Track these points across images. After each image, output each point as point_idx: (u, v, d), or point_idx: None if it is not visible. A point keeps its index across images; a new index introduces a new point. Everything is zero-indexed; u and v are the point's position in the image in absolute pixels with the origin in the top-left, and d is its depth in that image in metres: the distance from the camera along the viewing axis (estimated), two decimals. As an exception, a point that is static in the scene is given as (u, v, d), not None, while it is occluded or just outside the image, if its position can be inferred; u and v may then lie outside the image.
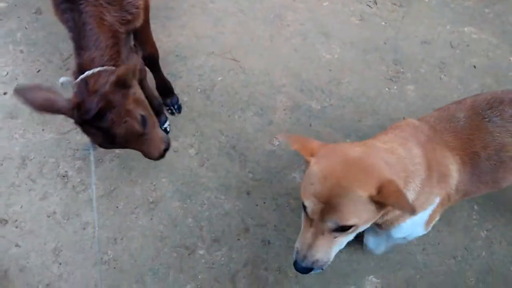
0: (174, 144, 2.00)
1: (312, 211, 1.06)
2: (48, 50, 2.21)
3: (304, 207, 1.10)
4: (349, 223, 1.03)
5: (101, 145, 1.38)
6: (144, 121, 1.40)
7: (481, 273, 1.67)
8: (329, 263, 1.15)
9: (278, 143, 2.01)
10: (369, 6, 2.29)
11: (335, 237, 1.09)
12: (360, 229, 1.10)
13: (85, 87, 1.29)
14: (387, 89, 2.09)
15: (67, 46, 2.21)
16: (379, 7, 2.28)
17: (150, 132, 1.45)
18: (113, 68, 1.37)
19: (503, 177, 1.26)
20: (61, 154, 1.97)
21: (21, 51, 2.23)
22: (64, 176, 1.92)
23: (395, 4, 2.28)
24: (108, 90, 1.27)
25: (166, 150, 1.59)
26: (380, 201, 0.99)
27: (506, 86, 2.04)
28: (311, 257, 1.12)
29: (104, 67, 1.35)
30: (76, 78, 1.33)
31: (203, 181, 1.93)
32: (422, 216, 1.23)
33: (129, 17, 1.50)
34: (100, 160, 1.96)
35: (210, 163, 1.97)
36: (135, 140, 1.40)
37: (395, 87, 2.09)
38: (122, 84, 1.28)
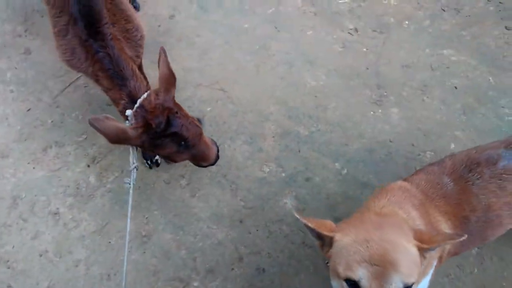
0: (165, 176, 2.03)
1: (368, 279, 0.95)
2: (37, 89, 2.26)
3: (352, 283, 0.99)
4: (412, 279, 0.96)
5: (172, 157, 1.49)
6: (199, 120, 1.54)
7: (476, 291, 1.69)
8: None
9: (268, 170, 2.04)
10: (351, 34, 2.38)
11: None
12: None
13: (144, 110, 1.40)
14: (372, 112, 2.15)
15: (56, 85, 2.26)
16: (360, 34, 2.37)
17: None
18: (154, 89, 1.48)
19: (491, 234, 1.32)
20: (52, 191, 1.99)
21: (11, 91, 2.27)
22: (55, 214, 1.94)
23: (375, 31, 2.37)
24: (168, 103, 1.40)
25: (218, 151, 1.69)
26: (426, 248, 0.99)
27: (487, 105, 2.11)
28: None
29: (148, 91, 1.46)
30: (128, 108, 1.44)
31: (195, 212, 1.95)
32: (425, 282, 1.25)
33: (140, 51, 1.60)
34: (91, 196, 1.98)
35: (202, 193, 2.00)
36: (198, 142, 1.51)
37: (379, 111, 2.15)
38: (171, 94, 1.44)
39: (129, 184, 1.49)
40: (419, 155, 2.00)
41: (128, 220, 1.45)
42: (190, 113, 2.20)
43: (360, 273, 0.96)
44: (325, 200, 1.95)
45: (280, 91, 2.26)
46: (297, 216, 1.06)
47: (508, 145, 1.31)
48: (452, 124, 2.08)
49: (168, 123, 1.39)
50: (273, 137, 2.14)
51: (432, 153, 2.00)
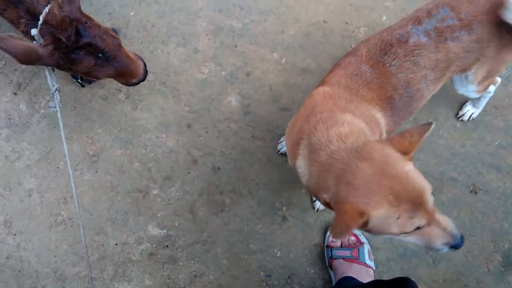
0: (101, 92, 1.98)
1: (420, 219, 1.03)
2: None
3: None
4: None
5: (93, 72, 1.44)
6: (114, 31, 1.47)
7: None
8: None
9: (207, 70, 2.04)
10: None
11: None
12: None
13: (50, 26, 1.32)
14: (304, -6, 2.14)
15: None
16: None
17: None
18: (55, 1, 1.37)
19: (416, 106, 1.43)
20: (-18, 127, 1.90)
21: None
22: (-8, 149, 1.88)
23: None
24: (74, 14, 1.33)
25: (145, 65, 1.66)
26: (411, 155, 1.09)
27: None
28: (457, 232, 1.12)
29: (49, 4, 1.35)
30: (31, 27, 1.34)
31: (140, 124, 1.96)
32: None
33: None
34: (27, 124, 1.92)
35: (143, 104, 1.98)
36: (119, 53, 1.46)
37: (311, -9, 2.14)
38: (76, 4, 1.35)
39: (55, 108, 1.46)
40: (353, 31, 2.06)
41: (65, 145, 1.43)
42: (113, 20, 2.10)
43: (414, 224, 1.03)
44: (268, 92, 2.00)
45: (206, -17, 2.17)
46: (330, 235, 1.03)
47: (416, 21, 1.36)
48: (383, -5, 2.13)
49: (79, 34, 1.33)
50: (207, 35, 2.09)
51: (366, 29, 2.06)
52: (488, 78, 1.54)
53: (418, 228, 1.05)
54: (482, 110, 1.90)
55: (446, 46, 1.34)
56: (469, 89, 1.59)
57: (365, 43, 1.42)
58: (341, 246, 1.72)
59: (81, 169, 1.88)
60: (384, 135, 1.39)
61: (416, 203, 1.01)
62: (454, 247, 1.11)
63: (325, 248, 1.76)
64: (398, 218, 1.01)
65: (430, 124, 1.08)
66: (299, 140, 1.25)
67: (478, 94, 1.67)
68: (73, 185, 1.44)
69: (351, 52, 1.43)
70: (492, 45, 1.37)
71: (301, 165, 1.24)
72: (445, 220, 1.11)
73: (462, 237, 1.12)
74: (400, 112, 1.39)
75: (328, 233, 1.76)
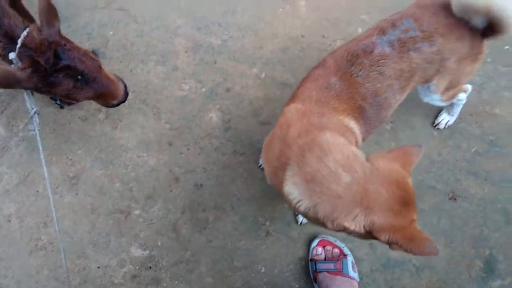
0: (80, 113, 1.99)
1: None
2: None
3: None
4: None
5: (72, 94, 1.45)
6: (94, 52, 1.45)
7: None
8: None
9: (188, 87, 2.07)
10: None
11: None
12: None
13: (29, 49, 1.33)
14: (280, 9, 2.18)
15: None
16: None
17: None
18: (34, 24, 1.39)
19: (385, 115, 1.48)
20: (-42, 152, 1.90)
21: None
22: (-31, 174, 1.87)
23: None
24: (53, 37, 1.34)
25: (126, 87, 1.68)
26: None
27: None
28: None
29: (27, 28, 1.37)
30: (9, 51, 1.36)
31: (121, 143, 1.97)
32: None
33: None
34: (5, 148, 1.92)
35: (123, 123, 2.00)
36: (99, 75, 1.48)
37: (288, 6, 2.18)
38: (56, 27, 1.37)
39: (34, 130, 1.47)
40: (330, 45, 2.11)
41: (44, 167, 1.44)
42: (92, 41, 2.12)
43: None
44: (248, 107, 2.04)
45: (184, 1, 2.20)
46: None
47: (380, 31, 1.41)
48: (357, 8, 2.18)
49: (57, 56, 1.35)
50: (186, 52, 2.13)
51: (342, 41, 2.11)
52: (450, 88, 1.59)
53: None
54: (457, 118, 1.95)
55: (409, 57, 1.38)
56: (434, 98, 1.64)
57: (332, 55, 1.46)
58: (325, 259, 1.74)
59: (61, 192, 1.88)
60: (360, 142, 1.42)
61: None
62: None
63: (309, 261, 1.78)
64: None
65: (420, 147, 1.22)
66: (283, 165, 1.26)
67: (445, 103, 1.72)
68: (53, 208, 1.44)
69: (319, 65, 1.47)
70: (452, 58, 1.43)
71: (293, 192, 1.23)
72: None
73: None
74: (372, 121, 1.43)
75: (313, 245, 1.78)
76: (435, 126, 1.97)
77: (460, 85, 1.64)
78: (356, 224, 1.14)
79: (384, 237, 1.11)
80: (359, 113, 1.39)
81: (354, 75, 1.38)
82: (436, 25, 1.39)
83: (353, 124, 1.38)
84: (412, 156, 1.18)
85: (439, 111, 1.97)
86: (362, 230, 1.14)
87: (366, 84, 1.38)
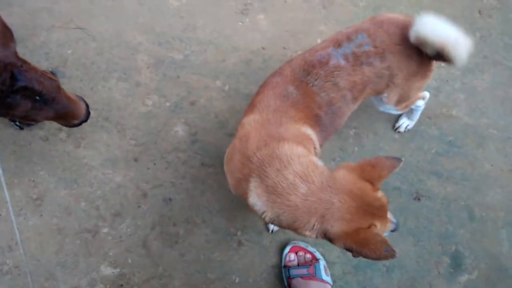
0: (41, 133, 1.97)
1: None
2: None
3: None
4: None
5: (31, 116, 1.45)
6: (53, 73, 1.45)
7: (359, 166, 2.02)
8: None
9: (151, 102, 2.09)
10: None
11: None
12: None
13: None
14: (240, 23, 2.26)
15: None
16: None
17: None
18: None
19: (339, 123, 1.55)
20: None
21: None
22: None
23: None
24: (9, 58, 1.36)
25: (88, 106, 1.69)
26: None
27: (344, -4, 2.33)
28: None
29: None
30: None
31: (85, 162, 1.96)
32: None
33: None
34: (-38, 174, 1.87)
35: (86, 142, 1.99)
36: (58, 95, 1.48)
37: (247, 20, 2.26)
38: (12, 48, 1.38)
39: None
40: (291, 56, 2.19)
41: (5, 191, 1.44)
42: (50, 60, 2.12)
43: (388, 228, 1.31)
44: (214, 119, 2.08)
45: (143, 17, 2.24)
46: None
47: (336, 43, 1.48)
48: (315, 20, 2.29)
49: (14, 78, 1.35)
50: (148, 67, 2.15)
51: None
52: (402, 101, 1.70)
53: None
54: (416, 121, 2.06)
55: (362, 70, 1.47)
56: (388, 108, 1.75)
57: (290, 63, 1.53)
58: (298, 264, 1.78)
59: (25, 214, 1.84)
60: (318, 149, 1.49)
61: (386, 213, 1.25)
62: (394, 230, 1.35)
63: (282, 268, 1.81)
64: (380, 226, 1.22)
65: (400, 160, 1.24)
66: (246, 177, 1.31)
67: (400, 112, 1.83)
68: (17, 231, 1.43)
69: (276, 73, 1.53)
70: (401, 74, 1.53)
71: (258, 204, 1.29)
72: (389, 214, 1.31)
73: (397, 222, 1.36)
74: (328, 128, 1.51)
75: (285, 252, 1.82)
76: (396, 129, 2.08)
77: (411, 98, 1.74)
78: (315, 232, 1.21)
79: (339, 244, 1.19)
80: (315, 121, 1.46)
81: (310, 84, 1.44)
82: (388, 42, 1.48)
83: (310, 131, 1.45)
84: (384, 170, 1.23)
85: (399, 115, 2.08)
86: (323, 238, 1.22)
87: (321, 94, 1.45)
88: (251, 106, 1.49)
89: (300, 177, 1.22)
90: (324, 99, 1.45)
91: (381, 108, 1.76)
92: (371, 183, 1.22)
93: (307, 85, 1.44)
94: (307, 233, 1.22)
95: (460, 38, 1.40)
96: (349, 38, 1.48)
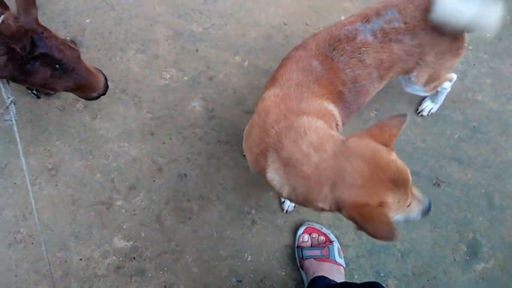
0: (57, 103, 1.96)
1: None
2: None
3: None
4: None
5: (50, 84, 1.43)
6: (73, 42, 1.46)
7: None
8: None
9: (169, 76, 2.06)
10: None
11: None
12: None
13: (4, 37, 1.29)
14: (262, -3, 2.20)
15: None
16: None
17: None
18: (9, 12, 1.36)
19: (363, 101, 1.51)
20: None
21: None
22: None
23: None
24: (30, 24, 1.32)
25: (106, 79, 1.66)
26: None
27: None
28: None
29: (2, 15, 1.32)
30: None
31: (101, 134, 1.95)
32: None
33: None
34: (-21, 140, 1.88)
35: (103, 113, 1.98)
36: (77, 65, 1.46)
37: (270, -6, 2.20)
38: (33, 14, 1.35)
39: (11, 121, 1.44)
40: (313, 33, 2.12)
41: (22, 158, 1.42)
42: (68, 29, 2.09)
43: (407, 203, 1.16)
44: (232, 96, 2.04)
45: (164, -12, 2.19)
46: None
47: (364, 18, 1.43)
48: (341, -4, 2.22)
49: (34, 44, 1.33)
50: (167, 40, 2.11)
51: (326, 29, 2.14)
52: (432, 81, 1.63)
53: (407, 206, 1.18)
54: (440, 105, 2.00)
55: (390, 47, 1.41)
56: (416, 89, 1.68)
57: (315, 37, 1.47)
58: (311, 246, 1.77)
59: (40, 183, 1.85)
60: (340, 125, 1.45)
61: (406, 186, 1.13)
62: (426, 212, 1.24)
63: (295, 249, 1.80)
64: (399, 202, 1.12)
65: (405, 115, 1.16)
66: (263, 152, 1.28)
67: (428, 93, 1.76)
68: (32, 200, 1.42)
69: (300, 46, 1.48)
70: (432, 52, 1.46)
71: (276, 178, 1.26)
72: (416, 191, 1.22)
73: (430, 201, 1.25)
74: (350, 106, 1.46)
75: (299, 233, 1.80)
76: (419, 113, 2.02)
77: (441, 78, 1.68)
78: (328, 204, 1.15)
79: (345, 212, 1.12)
80: (338, 98, 1.41)
81: (335, 60, 1.39)
82: (419, 18, 1.41)
83: (332, 107, 1.40)
84: (392, 128, 1.15)
85: (422, 98, 2.02)
86: (337, 210, 1.15)
87: (346, 70, 1.40)
88: (272, 79, 1.45)
89: (314, 146, 1.17)
90: (348, 75, 1.40)
91: (408, 89, 1.70)
92: (384, 145, 1.15)
93: (332, 60, 1.39)
94: (320, 204, 1.16)
95: (483, 9, 1.32)
96: (378, 14, 1.42)
